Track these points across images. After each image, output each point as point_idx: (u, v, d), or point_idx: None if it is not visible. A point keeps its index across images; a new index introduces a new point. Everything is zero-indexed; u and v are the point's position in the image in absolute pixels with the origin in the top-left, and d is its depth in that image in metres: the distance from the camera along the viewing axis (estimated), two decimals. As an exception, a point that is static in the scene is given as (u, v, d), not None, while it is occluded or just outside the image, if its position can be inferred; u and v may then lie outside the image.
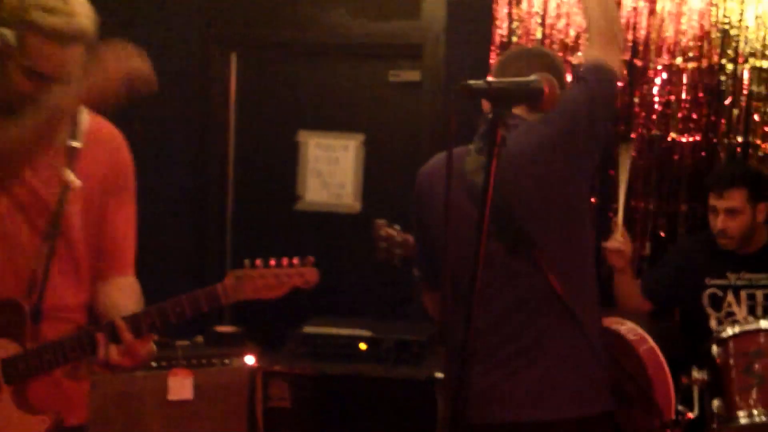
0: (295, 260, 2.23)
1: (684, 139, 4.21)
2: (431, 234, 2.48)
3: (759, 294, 3.64)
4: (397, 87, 4.66)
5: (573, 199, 2.34)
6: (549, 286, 2.26)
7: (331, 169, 4.80)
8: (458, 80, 4.48)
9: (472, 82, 1.78)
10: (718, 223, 3.60)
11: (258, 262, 2.19)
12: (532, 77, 1.83)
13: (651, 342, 2.36)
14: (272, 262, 2.21)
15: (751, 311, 3.64)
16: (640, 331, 2.39)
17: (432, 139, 4.42)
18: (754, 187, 3.62)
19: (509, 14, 4.27)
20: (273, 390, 3.73)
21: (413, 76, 4.62)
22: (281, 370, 3.79)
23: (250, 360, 3.68)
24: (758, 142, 4.14)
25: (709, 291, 3.68)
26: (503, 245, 2.28)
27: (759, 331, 3.15)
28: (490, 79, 1.89)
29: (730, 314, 3.66)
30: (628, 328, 2.38)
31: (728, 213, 3.57)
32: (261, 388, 3.65)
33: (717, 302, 3.67)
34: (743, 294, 3.66)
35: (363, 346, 3.87)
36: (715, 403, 3.08)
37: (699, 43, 4.17)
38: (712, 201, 3.63)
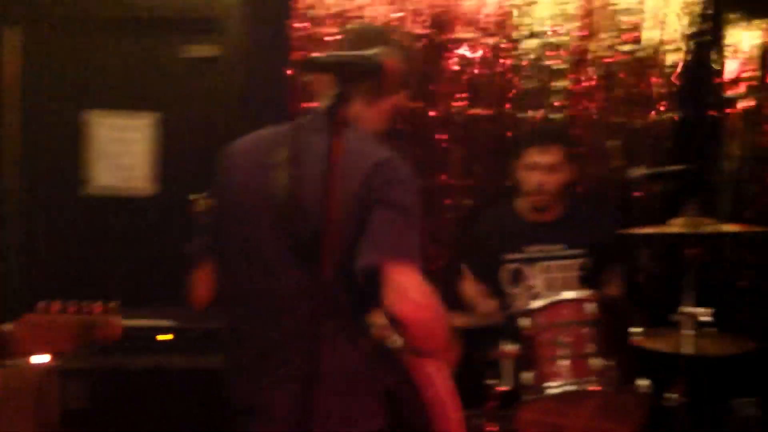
0: (98, 307, 1.99)
1: (484, 114, 4.23)
2: (220, 214, 2.39)
3: (555, 265, 3.72)
4: (193, 63, 4.43)
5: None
6: (335, 303, 2.09)
7: (121, 150, 4.52)
8: (259, 55, 4.28)
9: (316, 55, 1.79)
10: (536, 178, 3.63)
11: (54, 306, 1.93)
12: (374, 51, 1.79)
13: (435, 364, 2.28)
14: (71, 308, 1.96)
15: (550, 284, 3.71)
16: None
17: (232, 117, 4.23)
18: (569, 147, 3.70)
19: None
20: (69, 390, 3.45)
21: (208, 51, 4.40)
22: (77, 367, 3.51)
23: (41, 359, 3.38)
24: (555, 116, 4.23)
25: (508, 267, 3.72)
26: (291, 250, 2.16)
27: (564, 302, 3.21)
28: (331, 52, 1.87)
29: (529, 288, 3.73)
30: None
31: (548, 169, 3.61)
32: (56, 389, 3.36)
33: (515, 278, 3.71)
34: (541, 267, 3.73)
35: (165, 336, 3.66)
36: (526, 375, 3.11)
37: (497, 18, 4.20)
38: (533, 157, 3.63)
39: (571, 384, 3.06)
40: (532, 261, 3.73)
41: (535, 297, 3.44)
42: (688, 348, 3.15)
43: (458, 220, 4.23)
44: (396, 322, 2.11)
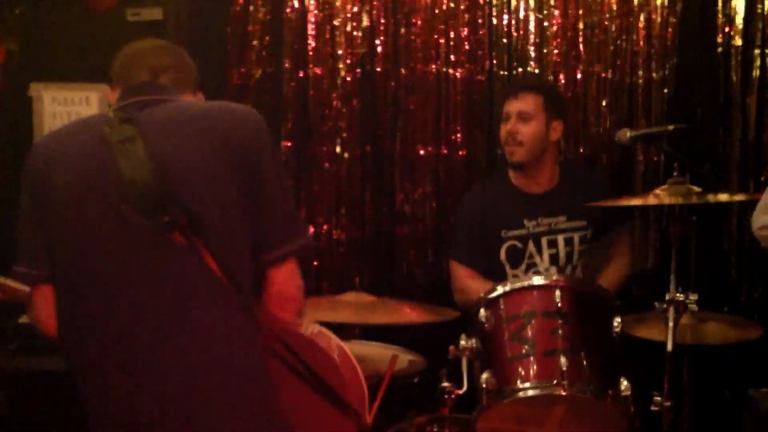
0: None
1: (458, 74, 3.76)
2: (51, 219, 1.98)
3: (560, 239, 3.35)
4: (138, 27, 4.01)
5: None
6: (217, 282, 1.87)
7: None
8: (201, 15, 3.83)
9: None
10: (508, 125, 3.30)
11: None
12: None
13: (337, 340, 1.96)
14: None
15: (554, 260, 3.34)
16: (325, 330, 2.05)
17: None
18: (550, 97, 3.36)
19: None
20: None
21: (155, 14, 3.98)
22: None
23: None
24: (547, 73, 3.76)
25: (507, 244, 3.30)
26: (156, 228, 1.86)
27: (531, 288, 2.75)
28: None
29: (532, 266, 3.33)
30: (316, 330, 1.99)
31: (520, 117, 3.27)
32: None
33: (516, 255, 3.30)
34: (544, 242, 3.35)
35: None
36: (485, 375, 2.65)
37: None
38: (506, 107, 3.33)
39: (536, 388, 2.59)
40: (535, 236, 3.32)
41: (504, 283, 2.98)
42: (683, 338, 2.71)
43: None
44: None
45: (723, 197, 2.78)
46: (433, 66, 3.76)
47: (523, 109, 3.28)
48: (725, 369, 3.56)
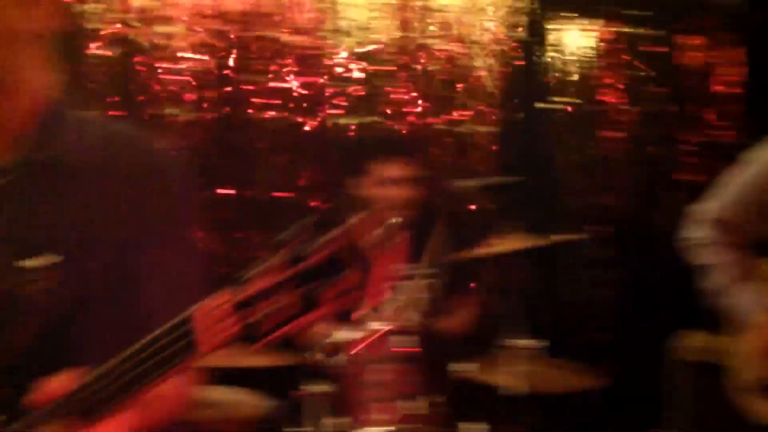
0: None
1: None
2: None
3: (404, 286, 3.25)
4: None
5: None
6: None
7: None
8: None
9: None
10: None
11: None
12: None
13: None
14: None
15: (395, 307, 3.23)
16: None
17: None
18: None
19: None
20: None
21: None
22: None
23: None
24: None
25: None
26: None
27: (378, 334, 2.75)
28: None
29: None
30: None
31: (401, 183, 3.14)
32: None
33: None
34: None
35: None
36: (334, 420, 2.65)
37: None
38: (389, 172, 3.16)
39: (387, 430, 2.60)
40: None
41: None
42: (523, 384, 2.76)
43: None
44: None
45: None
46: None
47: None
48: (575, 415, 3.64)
